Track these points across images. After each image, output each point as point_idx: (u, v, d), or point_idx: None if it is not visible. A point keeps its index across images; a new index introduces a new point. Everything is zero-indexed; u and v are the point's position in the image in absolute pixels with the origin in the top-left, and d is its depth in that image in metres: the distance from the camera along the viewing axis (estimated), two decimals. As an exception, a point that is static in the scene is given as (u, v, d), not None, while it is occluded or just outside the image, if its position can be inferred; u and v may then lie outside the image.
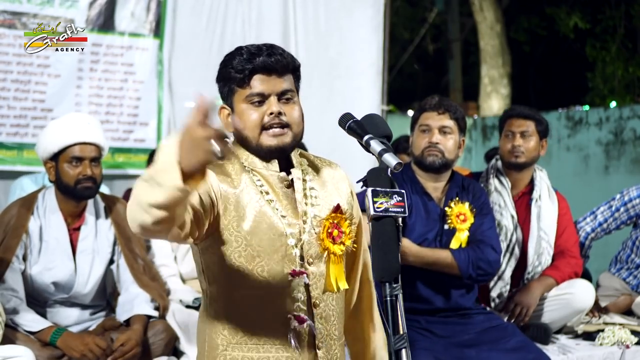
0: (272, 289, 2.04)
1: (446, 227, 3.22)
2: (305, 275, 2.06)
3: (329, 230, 2.08)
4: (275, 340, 2.05)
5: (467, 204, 3.24)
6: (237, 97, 2.05)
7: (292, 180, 2.12)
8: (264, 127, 2.04)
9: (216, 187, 1.99)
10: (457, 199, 3.25)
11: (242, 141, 2.10)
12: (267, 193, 2.06)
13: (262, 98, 2.04)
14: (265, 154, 2.08)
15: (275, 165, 2.10)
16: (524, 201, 3.87)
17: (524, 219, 3.83)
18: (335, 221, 2.09)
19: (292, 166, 2.13)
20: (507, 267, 3.77)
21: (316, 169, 2.19)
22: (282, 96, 2.06)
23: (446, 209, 3.24)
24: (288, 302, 2.06)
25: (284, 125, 2.05)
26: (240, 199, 2.03)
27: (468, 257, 3.16)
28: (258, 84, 2.04)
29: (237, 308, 2.05)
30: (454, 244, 3.20)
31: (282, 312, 2.05)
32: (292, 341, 2.05)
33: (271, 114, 2.03)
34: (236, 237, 2.01)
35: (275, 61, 2.04)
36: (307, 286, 2.07)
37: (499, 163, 3.92)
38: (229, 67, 2.05)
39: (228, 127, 2.11)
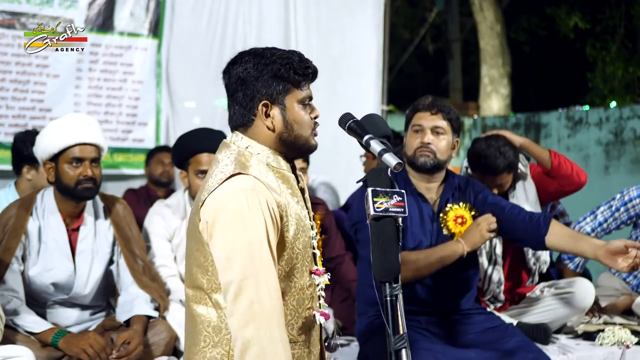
0: (302, 290, 2.09)
1: (445, 232, 3.18)
2: (327, 273, 2.14)
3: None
4: (299, 338, 2.09)
5: (465, 204, 3.21)
6: (292, 97, 2.11)
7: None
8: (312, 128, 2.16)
9: (284, 220, 2.04)
10: (453, 202, 3.20)
11: (285, 138, 2.12)
12: (294, 195, 2.11)
13: (309, 102, 2.15)
14: (304, 153, 2.20)
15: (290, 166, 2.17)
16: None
17: None
18: (318, 220, 2.18)
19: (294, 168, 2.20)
20: (494, 271, 3.77)
21: None
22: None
23: (441, 214, 3.19)
24: (313, 300, 2.11)
25: None
26: (284, 205, 2.06)
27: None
28: (307, 88, 2.14)
29: None
30: None
31: (308, 311, 2.10)
32: (322, 337, 2.13)
33: (316, 117, 2.15)
34: (283, 244, 2.05)
35: (317, 72, 2.17)
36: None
37: (469, 170, 3.89)
38: (289, 67, 2.09)
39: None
